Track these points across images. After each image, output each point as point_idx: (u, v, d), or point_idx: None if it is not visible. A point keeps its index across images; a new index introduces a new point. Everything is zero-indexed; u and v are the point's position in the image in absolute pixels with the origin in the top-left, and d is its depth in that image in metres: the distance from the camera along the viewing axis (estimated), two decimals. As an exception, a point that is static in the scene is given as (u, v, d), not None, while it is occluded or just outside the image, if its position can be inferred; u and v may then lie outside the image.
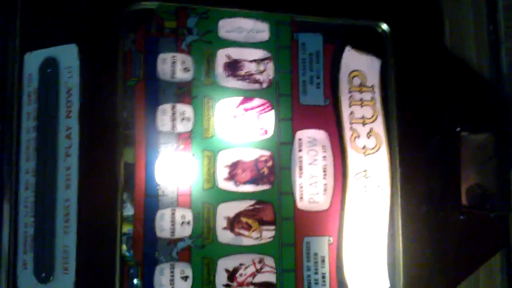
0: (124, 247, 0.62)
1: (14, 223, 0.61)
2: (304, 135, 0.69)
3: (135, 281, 0.62)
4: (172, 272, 0.62)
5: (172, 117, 0.65)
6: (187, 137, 0.66)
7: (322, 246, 0.67)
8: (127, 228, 0.62)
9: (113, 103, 0.63)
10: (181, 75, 0.66)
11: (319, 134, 0.69)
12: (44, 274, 0.59)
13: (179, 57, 0.67)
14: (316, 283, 0.66)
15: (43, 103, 0.63)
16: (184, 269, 0.63)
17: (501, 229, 0.74)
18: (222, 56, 0.68)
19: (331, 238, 0.67)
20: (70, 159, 0.62)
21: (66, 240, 0.60)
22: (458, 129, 0.73)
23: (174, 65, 0.66)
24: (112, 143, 0.63)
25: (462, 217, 0.73)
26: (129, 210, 0.63)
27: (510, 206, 0.74)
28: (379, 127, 0.71)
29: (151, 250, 0.63)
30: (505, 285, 0.73)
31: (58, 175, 0.62)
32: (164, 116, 0.65)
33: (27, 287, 0.60)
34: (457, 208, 0.73)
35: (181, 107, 0.66)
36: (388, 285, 0.68)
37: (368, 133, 0.70)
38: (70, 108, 0.63)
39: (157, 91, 0.66)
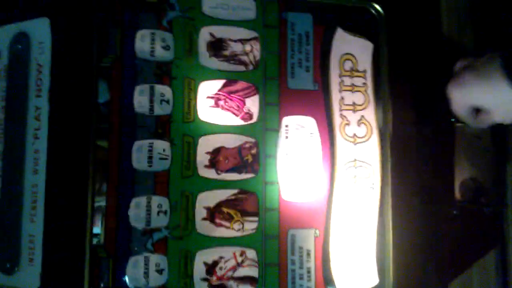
0: (94, 237, 0.59)
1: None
2: (291, 121, 0.66)
3: (105, 273, 0.59)
4: (146, 265, 0.60)
5: (150, 99, 0.63)
6: (166, 121, 0.63)
7: (308, 239, 0.65)
8: (98, 217, 0.59)
9: (86, 82, 0.60)
10: (160, 54, 0.64)
11: (307, 121, 0.67)
12: (8, 265, 0.56)
13: (159, 34, 0.64)
14: (301, 278, 0.64)
15: (12, 81, 0.60)
16: (159, 261, 0.60)
17: (495, 225, 0.73)
18: (206, 34, 0.66)
19: (317, 231, 0.65)
20: (38, 142, 0.59)
21: (33, 228, 0.57)
22: (453, 119, 0.71)
23: (153, 43, 0.63)
24: (84, 125, 0.60)
25: (455, 212, 0.71)
26: (101, 197, 0.60)
27: (505, 201, 0.73)
28: (370, 114, 0.69)
29: (124, 241, 0.60)
30: (499, 284, 0.71)
31: (25, 159, 0.59)
32: (142, 97, 0.62)
33: (-10, 279, 0.56)
34: (450, 202, 0.71)
35: (160, 88, 0.63)
36: (377, 281, 0.66)
37: (358, 121, 0.68)
38: (40, 86, 0.60)
39: (135, 70, 0.63)
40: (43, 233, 0.57)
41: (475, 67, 0.61)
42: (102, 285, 0.58)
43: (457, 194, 0.72)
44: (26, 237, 0.57)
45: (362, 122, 0.68)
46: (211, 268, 0.62)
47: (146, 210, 0.60)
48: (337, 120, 0.67)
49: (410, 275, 0.67)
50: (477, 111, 0.64)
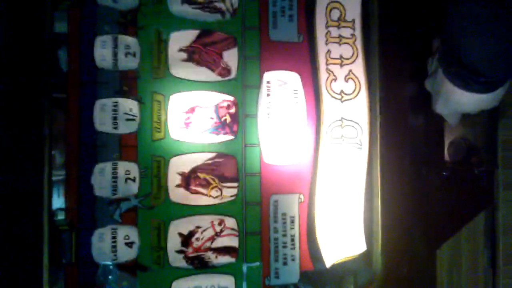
0: (53, 208, 0.53)
1: None
2: (273, 77, 0.60)
3: (67, 248, 0.53)
4: (114, 237, 0.54)
5: (114, 51, 0.55)
6: (132, 77, 0.56)
7: (292, 205, 0.61)
8: (57, 185, 0.53)
9: (40, 31, 0.52)
10: (124, 0, 0.56)
11: (291, 76, 0.61)
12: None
13: (122, -23, 0.56)
14: (285, 247, 0.60)
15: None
16: (129, 233, 0.55)
17: (485, 186, 0.69)
18: (176, -21, 0.58)
19: (301, 196, 0.61)
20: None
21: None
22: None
23: (115, -13, 0.55)
24: (37, 77, 0.52)
25: (445, 173, 0.67)
26: (59, 163, 0.53)
27: (496, 162, 0.69)
28: (358, 69, 0.63)
29: (88, 212, 0.54)
30: (488, 248, 0.69)
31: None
32: (104, 49, 0.55)
33: None
34: (441, 163, 0.67)
35: (125, 39, 0.56)
36: (365, 248, 0.62)
37: (346, 76, 0.62)
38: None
39: (95, 18, 0.55)
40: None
41: (440, 91, 0.61)
42: (64, 261, 0.52)
43: (448, 155, 0.68)
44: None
45: (350, 78, 0.62)
46: (187, 239, 0.57)
47: (112, 178, 0.54)
48: (323, 75, 0.62)
49: (399, 241, 0.64)
50: None
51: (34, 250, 0.51)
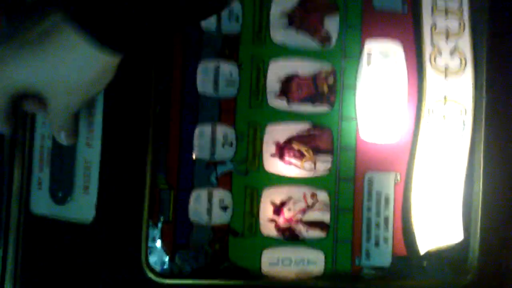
0: (155, 166, 0.58)
1: (30, 133, 0.56)
2: (375, 48, 0.62)
3: (166, 207, 0.57)
4: (210, 200, 0.59)
5: (218, 15, 0.59)
6: (234, 41, 0.60)
7: (387, 184, 0.63)
8: (159, 144, 0.57)
9: None
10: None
11: (393, 48, 0.62)
12: (61, 194, 0.55)
13: None
14: (377, 227, 0.62)
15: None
16: (224, 197, 0.59)
17: None
18: None
19: (398, 175, 0.63)
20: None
21: (89, 154, 0.56)
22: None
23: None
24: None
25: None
26: (162, 123, 0.58)
27: None
28: (465, 43, 0.65)
29: (187, 172, 0.59)
30: None
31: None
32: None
33: (41, 209, 0.56)
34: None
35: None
36: (462, 237, 0.64)
37: (451, 51, 0.63)
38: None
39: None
40: (100, 159, 0.55)
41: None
42: (162, 218, 0.56)
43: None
44: (81, 163, 0.55)
45: (456, 53, 0.62)
46: (278, 208, 0.60)
47: (210, 140, 0.57)
48: (427, 48, 0.63)
49: (497, 231, 0.64)
50: None
51: (134, 206, 0.55)
